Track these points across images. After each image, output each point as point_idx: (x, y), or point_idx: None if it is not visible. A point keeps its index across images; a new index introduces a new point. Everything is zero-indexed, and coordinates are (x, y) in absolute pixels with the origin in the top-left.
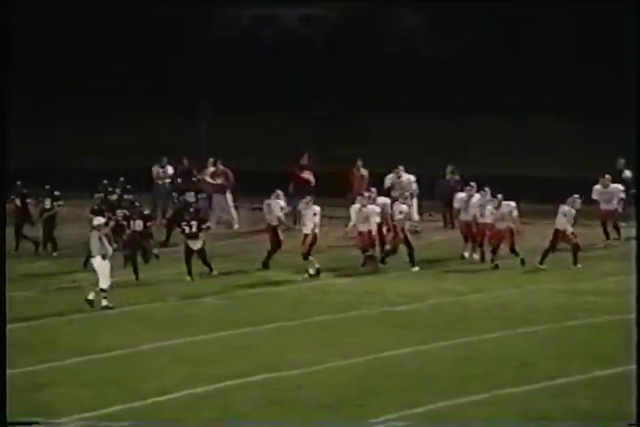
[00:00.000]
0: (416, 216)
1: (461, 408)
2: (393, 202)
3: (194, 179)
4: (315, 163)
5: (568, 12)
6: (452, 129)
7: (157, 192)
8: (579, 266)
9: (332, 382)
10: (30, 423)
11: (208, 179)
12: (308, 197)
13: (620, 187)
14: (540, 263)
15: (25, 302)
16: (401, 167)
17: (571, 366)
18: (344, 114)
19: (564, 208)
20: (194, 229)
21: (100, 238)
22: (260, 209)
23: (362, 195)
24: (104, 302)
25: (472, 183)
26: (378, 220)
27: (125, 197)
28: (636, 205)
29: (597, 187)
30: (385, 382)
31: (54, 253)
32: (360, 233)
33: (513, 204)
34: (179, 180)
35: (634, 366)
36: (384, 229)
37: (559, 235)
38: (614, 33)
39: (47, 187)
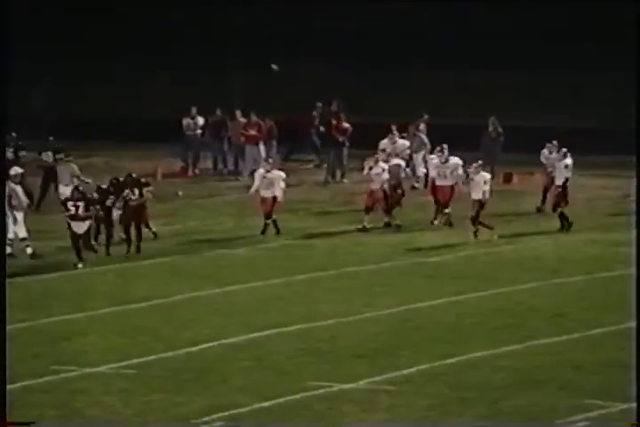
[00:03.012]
0: (419, 172)
1: (494, 359)
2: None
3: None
4: (343, 110)
5: None
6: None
7: (188, 143)
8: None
9: (366, 333)
10: (30, 423)
11: (241, 130)
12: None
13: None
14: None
15: (60, 253)
16: (395, 133)
17: (605, 317)
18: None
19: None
20: (80, 211)
21: (14, 189)
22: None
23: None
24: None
25: (444, 145)
26: (283, 185)
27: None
28: (636, 205)
29: (544, 151)
30: (417, 333)
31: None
32: (263, 199)
33: (459, 161)
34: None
35: None
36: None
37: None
38: None
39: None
